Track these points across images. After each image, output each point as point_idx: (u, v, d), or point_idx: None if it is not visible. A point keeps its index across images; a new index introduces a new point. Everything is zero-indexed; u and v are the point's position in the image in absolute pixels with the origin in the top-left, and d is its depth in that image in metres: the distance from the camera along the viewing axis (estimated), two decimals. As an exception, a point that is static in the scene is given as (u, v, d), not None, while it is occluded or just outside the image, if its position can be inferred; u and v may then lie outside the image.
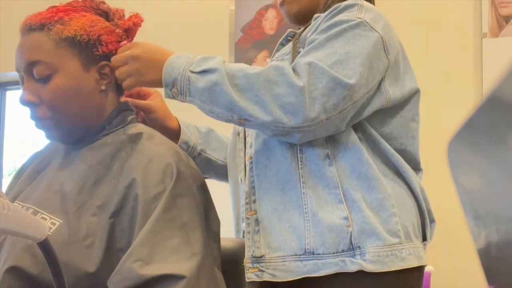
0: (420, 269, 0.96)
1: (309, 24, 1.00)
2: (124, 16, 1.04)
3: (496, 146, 0.32)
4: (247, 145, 1.02)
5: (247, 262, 0.93)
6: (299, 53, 0.94)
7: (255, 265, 0.93)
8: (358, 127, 0.94)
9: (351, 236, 0.88)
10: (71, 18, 0.95)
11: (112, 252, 0.85)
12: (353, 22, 0.89)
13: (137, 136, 0.96)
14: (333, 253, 0.88)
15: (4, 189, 1.06)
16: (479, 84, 1.94)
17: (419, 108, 1.07)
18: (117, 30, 0.99)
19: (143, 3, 2.66)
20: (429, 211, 1.01)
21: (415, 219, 0.96)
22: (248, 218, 0.96)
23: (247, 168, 0.98)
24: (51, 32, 0.93)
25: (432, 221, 1.02)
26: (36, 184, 0.98)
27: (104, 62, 0.97)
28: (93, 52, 0.95)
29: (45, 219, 0.88)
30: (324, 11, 0.98)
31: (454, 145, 0.42)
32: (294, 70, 0.86)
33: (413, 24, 2.08)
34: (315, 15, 1.00)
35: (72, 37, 0.93)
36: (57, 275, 0.61)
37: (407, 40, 2.08)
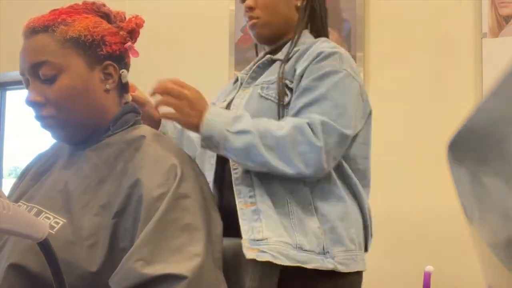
0: (361, 273, 1.14)
1: (289, 55, 1.14)
2: (125, 18, 1.06)
3: (496, 146, 0.32)
4: None
5: (245, 242, 1.00)
6: (285, 84, 1.10)
7: (254, 246, 1.00)
8: None
9: (323, 242, 1.05)
10: (74, 20, 0.97)
11: (115, 252, 0.85)
12: (341, 74, 1.08)
13: (141, 137, 0.97)
14: (315, 252, 1.04)
15: (8, 189, 1.07)
16: (479, 84, 1.94)
17: (371, 130, 1.24)
18: (121, 32, 1.01)
19: (143, 4, 2.66)
20: (371, 227, 1.18)
21: (361, 233, 1.14)
22: (242, 209, 1.05)
23: (239, 171, 1.09)
24: (56, 33, 0.94)
25: (371, 235, 1.20)
26: (41, 184, 0.99)
27: (108, 62, 0.98)
28: (97, 52, 0.97)
29: (49, 218, 0.89)
30: (296, 38, 1.17)
31: (454, 145, 0.42)
32: (311, 128, 1.02)
33: (413, 24, 2.08)
34: (295, 48, 1.15)
35: (77, 38, 0.95)
36: (57, 275, 0.61)
37: (407, 40, 2.09)
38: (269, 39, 1.21)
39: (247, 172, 1.08)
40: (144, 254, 0.81)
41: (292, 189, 1.07)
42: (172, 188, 0.88)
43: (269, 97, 1.11)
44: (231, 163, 1.11)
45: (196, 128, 1.01)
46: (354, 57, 2.15)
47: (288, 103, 1.10)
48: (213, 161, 1.16)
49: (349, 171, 1.12)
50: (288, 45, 1.18)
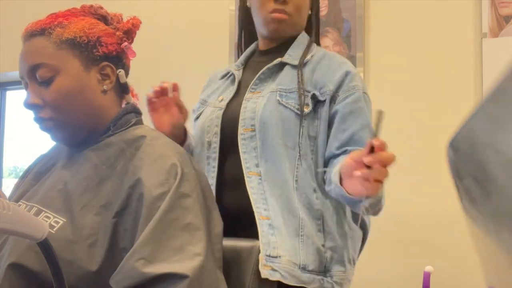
0: None
1: (304, 61, 1.17)
2: (122, 20, 1.07)
3: (495, 146, 0.32)
4: (249, 163, 1.11)
5: (262, 259, 1.01)
6: (304, 94, 1.12)
7: (268, 263, 1.01)
8: None
9: (326, 260, 1.08)
10: (70, 22, 0.98)
11: (115, 251, 0.86)
12: (366, 97, 1.15)
13: (142, 137, 0.97)
14: (316, 272, 1.07)
15: (8, 189, 1.08)
16: (479, 84, 1.94)
17: None
18: (117, 33, 1.02)
19: (143, 4, 2.66)
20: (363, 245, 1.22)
21: (358, 247, 1.18)
22: (260, 220, 1.07)
23: (253, 180, 1.10)
24: (52, 36, 0.95)
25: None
26: (41, 184, 1.00)
27: (104, 63, 0.99)
28: (93, 53, 0.97)
29: (49, 217, 0.89)
30: (310, 44, 1.21)
31: (454, 145, 0.42)
32: None
33: (413, 24, 2.08)
34: (313, 52, 1.19)
35: (72, 39, 0.96)
36: (57, 275, 0.61)
37: (407, 40, 2.09)
38: (285, 37, 1.21)
39: (260, 183, 1.09)
40: (145, 254, 0.81)
41: (305, 203, 1.09)
42: (172, 187, 0.88)
43: (289, 106, 1.12)
44: (244, 169, 1.11)
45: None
46: (354, 57, 2.15)
47: (308, 113, 1.12)
48: (214, 163, 1.16)
49: None
50: (296, 49, 1.19)
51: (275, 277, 1.00)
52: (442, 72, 2.01)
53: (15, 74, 3.26)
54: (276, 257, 1.02)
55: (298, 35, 1.22)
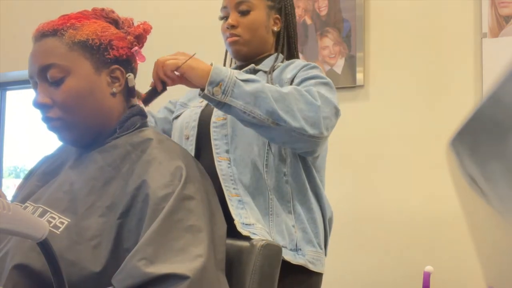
0: (322, 277, 1.24)
1: (273, 68, 1.26)
2: (133, 24, 1.08)
3: (496, 146, 0.32)
4: (220, 149, 1.18)
5: (238, 223, 1.08)
6: None
7: (245, 229, 1.08)
8: (301, 160, 1.19)
9: (296, 239, 1.15)
10: (83, 24, 0.99)
11: (119, 252, 0.86)
12: (326, 80, 1.18)
13: (148, 140, 0.98)
14: (287, 248, 1.14)
15: (8, 189, 1.09)
16: (479, 84, 1.94)
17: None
18: (128, 37, 1.03)
19: (143, 4, 2.66)
20: (328, 236, 1.27)
21: (323, 237, 1.24)
22: (229, 197, 1.13)
23: (223, 164, 1.16)
24: (64, 37, 0.97)
25: (327, 243, 1.28)
26: (48, 185, 1.00)
27: (115, 66, 1.01)
28: (105, 56, 0.99)
29: (54, 218, 0.90)
30: (278, 55, 1.30)
31: (455, 145, 0.42)
32: (309, 93, 1.08)
33: (413, 24, 2.08)
34: (285, 62, 1.28)
35: (84, 41, 0.97)
36: (57, 275, 0.62)
37: (407, 40, 2.09)
38: (246, 56, 1.30)
39: (229, 167, 1.16)
40: (147, 254, 0.82)
41: (275, 185, 1.17)
42: (177, 189, 0.88)
43: None
44: (214, 154, 1.17)
45: (204, 73, 1.02)
46: (354, 57, 2.15)
47: None
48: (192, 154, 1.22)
49: (318, 181, 1.22)
50: (269, 59, 1.30)
51: (255, 237, 1.05)
52: (442, 72, 2.01)
53: (15, 74, 3.26)
54: (250, 224, 1.09)
55: (266, 52, 1.32)
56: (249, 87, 1.03)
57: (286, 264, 1.10)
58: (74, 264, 0.83)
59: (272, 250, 1.02)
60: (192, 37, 2.57)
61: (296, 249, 1.15)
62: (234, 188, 1.15)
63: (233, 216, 1.09)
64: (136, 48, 1.04)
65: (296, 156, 1.19)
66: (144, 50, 1.08)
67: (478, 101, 0.34)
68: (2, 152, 3.29)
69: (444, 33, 2.02)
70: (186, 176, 0.91)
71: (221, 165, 1.16)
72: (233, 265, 1.01)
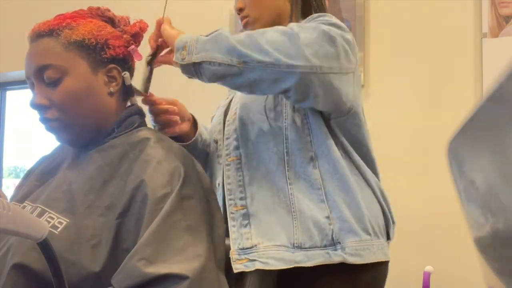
0: (386, 264, 1.06)
1: None
2: (129, 22, 1.08)
3: (496, 146, 0.32)
4: (230, 148, 1.09)
5: (233, 254, 0.99)
6: None
7: (242, 256, 0.98)
8: (333, 136, 1.04)
9: (332, 232, 0.98)
10: (79, 24, 0.99)
11: (118, 252, 0.86)
12: (333, 21, 1.03)
13: (146, 139, 0.98)
14: (319, 247, 0.98)
15: (8, 189, 1.09)
16: (479, 84, 1.94)
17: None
18: (124, 36, 1.03)
19: (142, 4, 2.66)
20: (390, 213, 1.10)
21: (380, 219, 1.06)
22: (232, 213, 1.03)
23: (231, 168, 1.06)
24: (60, 37, 0.96)
25: (393, 222, 1.12)
26: (46, 185, 1.00)
27: (111, 65, 1.00)
28: (101, 55, 0.98)
29: (53, 218, 0.89)
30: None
31: (455, 145, 0.42)
32: (287, 27, 0.95)
33: (413, 24, 2.08)
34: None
35: (80, 41, 0.97)
36: (57, 275, 0.61)
37: (407, 40, 2.09)
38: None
39: (239, 169, 1.05)
40: (147, 254, 0.82)
41: (301, 173, 1.02)
42: (175, 189, 0.88)
43: None
44: (223, 157, 1.09)
45: (174, 40, 1.01)
46: (354, 57, 2.15)
47: None
48: (221, 160, 1.14)
49: (357, 157, 1.06)
50: None
51: (252, 267, 0.96)
52: (442, 72, 2.01)
53: (15, 74, 3.26)
54: (250, 247, 0.98)
55: (280, 21, 1.15)
56: (209, 36, 0.97)
57: (321, 267, 0.96)
58: (73, 264, 0.83)
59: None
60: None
61: (333, 243, 0.98)
62: (241, 198, 1.03)
63: (231, 244, 1.00)
64: (133, 46, 1.03)
65: (323, 132, 1.03)
66: (141, 49, 1.07)
67: (478, 101, 0.34)
68: (2, 152, 3.29)
69: (444, 33, 2.02)
70: (184, 176, 0.91)
71: (229, 170, 1.07)
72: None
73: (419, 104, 2.04)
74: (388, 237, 1.09)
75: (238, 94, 1.15)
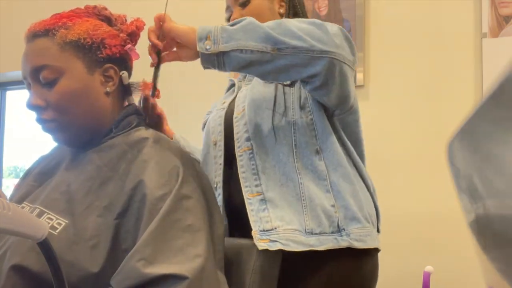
0: (377, 251, 1.14)
1: None
2: (126, 21, 1.06)
3: (496, 146, 0.32)
4: (241, 140, 1.13)
5: (255, 234, 1.03)
6: None
7: (264, 237, 1.02)
8: (335, 132, 1.11)
9: (338, 220, 1.06)
10: (75, 23, 0.98)
11: (117, 253, 0.86)
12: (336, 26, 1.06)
13: (144, 139, 0.98)
14: (327, 233, 1.05)
15: (8, 189, 1.08)
16: (479, 84, 1.94)
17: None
18: (121, 35, 1.02)
19: (142, 4, 2.66)
20: (378, 208, 1.18)
21: (373, 212, 1.14)
22: (249, 199, 1.07)
23: (244, 158, 1.11)
24: (56, 37, 0.95)
25: (379, 217, 1.20)
26: (45, 186, 1.00)
27: (108, 65, 0.99)
28: (97, 54, 0.98)
29: (51, 219, 0.89)
30: None
31: (454, 145, 0.42)
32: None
33: (414, 24, 2.08)
34: None
35: (76, 41, 0.96)
36: (57, 275, 0.61)
37: (407, 40, 2.09)
38: None
39: (251, 158, 1.09)
40: (146, 254, 0.81)
41: (308, 164, 1.08)
42: (174, 189, 0.88)
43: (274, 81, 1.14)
44: (236, 149, 1.12)
45: (191, 30, 0.98)
46: (354, 57, 2.15)
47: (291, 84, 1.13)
48: (220, 161, 1.17)
49: (355, 154, 1.13)
50: None
51: (275, 247, 1.00)
52: (442, 72, 2.01)
53: (15, 74, 3.26)
54: (271, 229, 1.03)
55: None
56: (236, 26, 0.97)
57: (330, 251, 1.03)
58: (73, 264, 0.83)
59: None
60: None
61: (339, 230, 1.05)
62: (256, 185, 1.08)
63: (252, 225, 1.04)
64: (130, 45, 1.02)
65: (327, 127, 1.09)
66: (138, 47, 1.06)
67: (478, 100, 0.34)
68: (2, 152, 3.29)
69: (444, 33, 2.02)
70: (183, 176, 0.90)
71: (242, 160, 1.10)
72: (233, 264, 1.01)
73: (419, 104, 2.04)
74: (378, 230, 1.17)
75: (243, 93, 1.18)
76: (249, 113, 1.12)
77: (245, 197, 1.07)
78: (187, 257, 0.82)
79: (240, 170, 1.10)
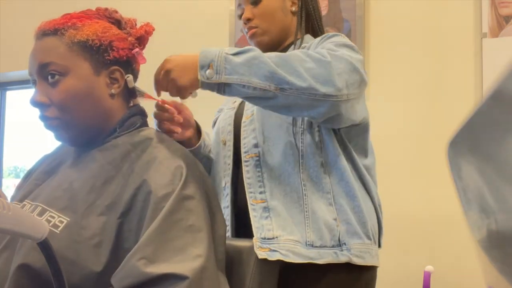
0: (376, 269, 1.15)
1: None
2: (136, 25, 1.07)
3: (496, 146, 0.32)
4: (248, 146, 1.13)
5: (256, 241, 1.02)
6: None
7: (264, 245, 1.02)
8: (341, 145, 1.10)
9: (339, 234, 1.06)
10: (84, 24, 0.99)
11: (119, 252, 0.86)
12: (348, 43, 1.07)
13: (148, 139, 0.98)
14: (328, 247, 1.05)
15: (8, 189, 1.08)
16: (479, 84, 1.94)
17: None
18: (129, 38, 1.03)
19: (142, 4, 2.66)
20: (382, 222, 1.18)
21: (376, 227, 1.14)
22: (253, 205, 1.08)
23: (250, 164, 1.10)
24: (64, 36, 0.96)
25: (383, 232, 1.19)
26: (47, 184, 1.00)
27: (114, 67, 1.00)
28: (104, 57, 0.98)
29: (53, 217, 0.89)
30: (295, 40, 1.21)
31: (454, 145, 0.42)
32: (317, 53, 0.98)
33: (414, 24, 2.08)
34: (299, 44, 1.19)
35: (84, 41, 0.97)
36: (57, 275, 0.61)
37: (407, 40, 2.09)
38: (269, 46, 1.22)
39: (258, 165, 1.09)
40: (147, 253, 0.81)
41: (312, 177, 1.07)
42: (177, 189, 0.88)
43: None
44: (242, 154, 1.12)
45: (194, 60, 0.96)
46: (354, 57, 2.15)
47: None
48: (229, 161, 1.17)
49: (361, 166, 1.12)
50: (292, 48, 1.21)
51: (274, 256, 1.00)
52: (442, 72, 2.01)
53: (15, 74, 3.26)
54: (272, 238, 1.03)
55: (290, 38, 1.23)
56: (240, 58, 0.95)
57: (328, 265, 1.03)
58: (74, 263, 0.83)
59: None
60: (195, 37, 2.57)
61: (339, 245, 1.05)
62: (260, 192, 1.08)
63: (254, 231, 1.04)
64: (137, 49, 1.03)
65: (333, 141, 1.09)
66: (146, 52, 1.07)
67: (478, 100, 0.34)
68: (2, 152, 3.29)
69: (444, 33, 2.02)
70: (186, 176, 0.91)
71: (248, 165, 1.11)
72: (233, 265, 1.01)
73: (419, 104, 2.04)
74: (379, 245, 1.17)
75: None
76: (257, 120, 1.13)
77: (248, 203, 1.08)
78: (188, 257, 0.83)
79: (245, 176, 1.10)
